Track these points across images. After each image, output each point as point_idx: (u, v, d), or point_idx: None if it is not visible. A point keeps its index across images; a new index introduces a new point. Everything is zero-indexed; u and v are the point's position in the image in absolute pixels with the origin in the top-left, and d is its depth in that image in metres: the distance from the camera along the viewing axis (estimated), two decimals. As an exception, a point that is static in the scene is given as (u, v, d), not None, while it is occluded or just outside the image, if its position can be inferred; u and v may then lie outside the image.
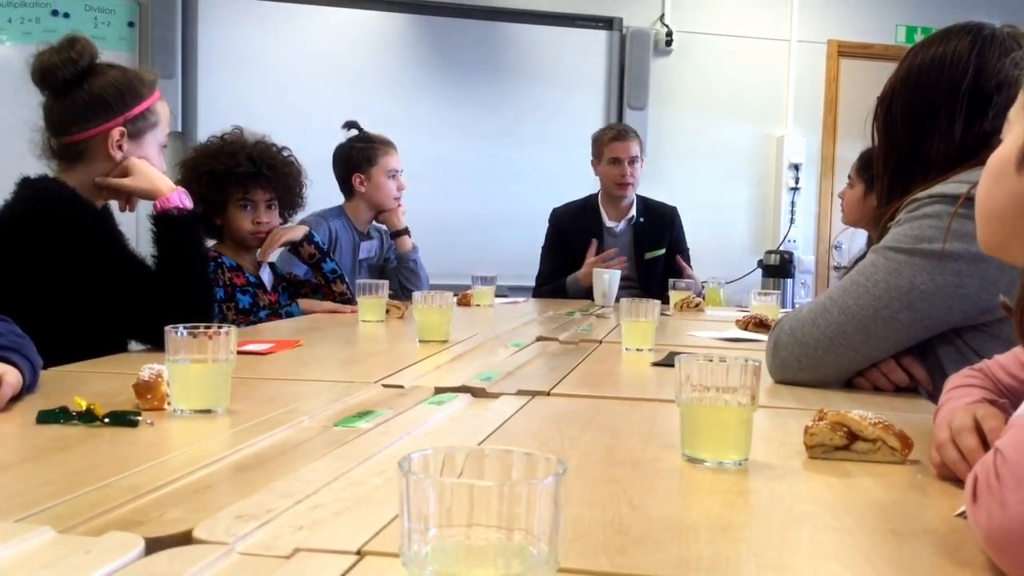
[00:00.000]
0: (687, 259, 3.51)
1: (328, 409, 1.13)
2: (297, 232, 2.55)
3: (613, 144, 3.40)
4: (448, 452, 0.55)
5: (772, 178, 4.97)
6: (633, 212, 3.47)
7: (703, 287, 3.25)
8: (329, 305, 2.48)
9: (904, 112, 1.39)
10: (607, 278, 2.99)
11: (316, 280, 2.59)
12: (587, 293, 3.27)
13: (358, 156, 3.03)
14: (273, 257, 2.68)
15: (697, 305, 2.85)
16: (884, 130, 1.42)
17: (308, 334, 1.95)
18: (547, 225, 3.57)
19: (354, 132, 3.09)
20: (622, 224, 3.47)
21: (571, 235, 3.44)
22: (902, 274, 1.29)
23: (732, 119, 4.92)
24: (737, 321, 2.28)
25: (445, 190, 4.59)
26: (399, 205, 3.11)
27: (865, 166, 2.66)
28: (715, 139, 4.91)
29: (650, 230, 3.47)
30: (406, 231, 3.10)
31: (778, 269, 4.61)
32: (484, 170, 4.67)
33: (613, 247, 3.44)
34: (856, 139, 4.91)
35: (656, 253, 3.45)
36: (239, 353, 1.25)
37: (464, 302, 2.81)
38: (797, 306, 1.91)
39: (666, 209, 3.56)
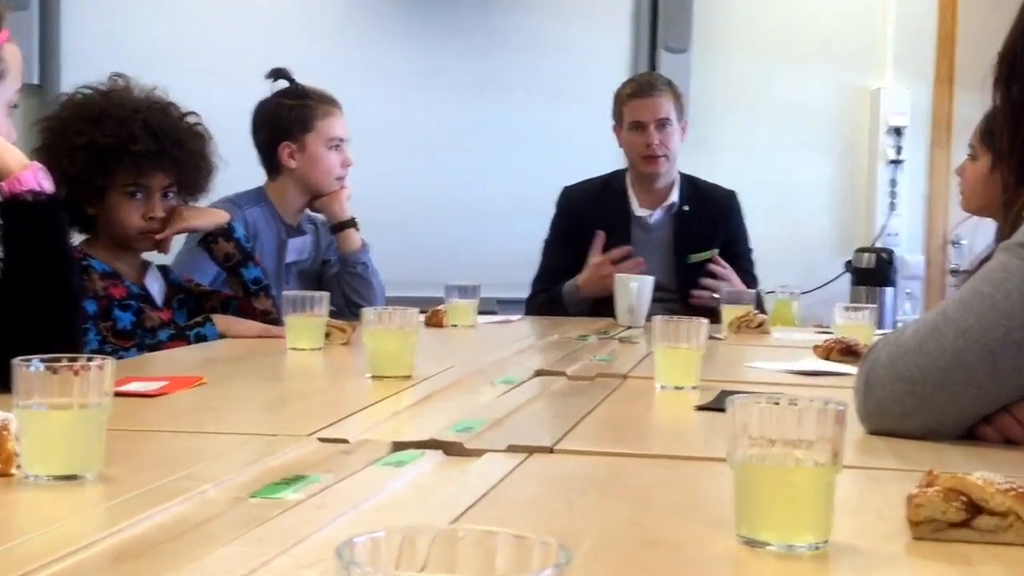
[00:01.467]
0: (748, 264, 3.51)
1: (242, 474, 1.13)
2: (210, 218, 2.54)
3: (634, 102, 3.41)
4: (407, 534, 0.55)
5: (864, 147, 4.99)
6: (675, 197, 3.48)
7: (764, 301, 3.26)
8: (257, 327, 2.48)
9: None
10: (635, 287, 2.99)
11: (230, 290, 2.59)
12: (592, 308, 3.28)
13: (287, 118, 3.03)
14: (168, 257, 2.67)
15: (760, 325, 2.85)
16: (1008, 92, 1.43)
17: (215, 367, 1.95)
18: (554, 211, 3.59)
19: (283, 84, 3.09)
20: (658, 213, 3.48)
21: (587, 225, 3.45)
22: (1044, 281, 1.30)
23: (807, 66, 4.93)
24: (815, 347, 2.29)
25: (410, 166, 4.60)
26: (343, 187, 3.11)
27: (993, 132, 2.67)
28: (783, 94, 4.93)
29: (698, 222, 3.48)
30: (353, 223, 3.10)
31: (873, 274, 4.62)
32: (467, 138, 4.68)
33: (643, 244, 3.45)
34: (983, 92, 4.93)
35: (705, 255, 3.45)
36: (118, 395, 1.25)
37: (435, 322, 2.81)
38: (899, 326, 1.91)
39: (721, 194, 3.57)
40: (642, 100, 3.40)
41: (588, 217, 3.47)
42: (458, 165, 4.68)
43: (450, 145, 4.67)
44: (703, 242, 3.47)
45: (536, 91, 4.72)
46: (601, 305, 3.22)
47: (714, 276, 3.36)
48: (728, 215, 3.54)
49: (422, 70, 4.67)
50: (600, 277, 3.26)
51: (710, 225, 3.50)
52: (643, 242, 3.45)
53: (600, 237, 3.34)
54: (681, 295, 3.42)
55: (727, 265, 3.40)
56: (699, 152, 4.36)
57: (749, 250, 3.57)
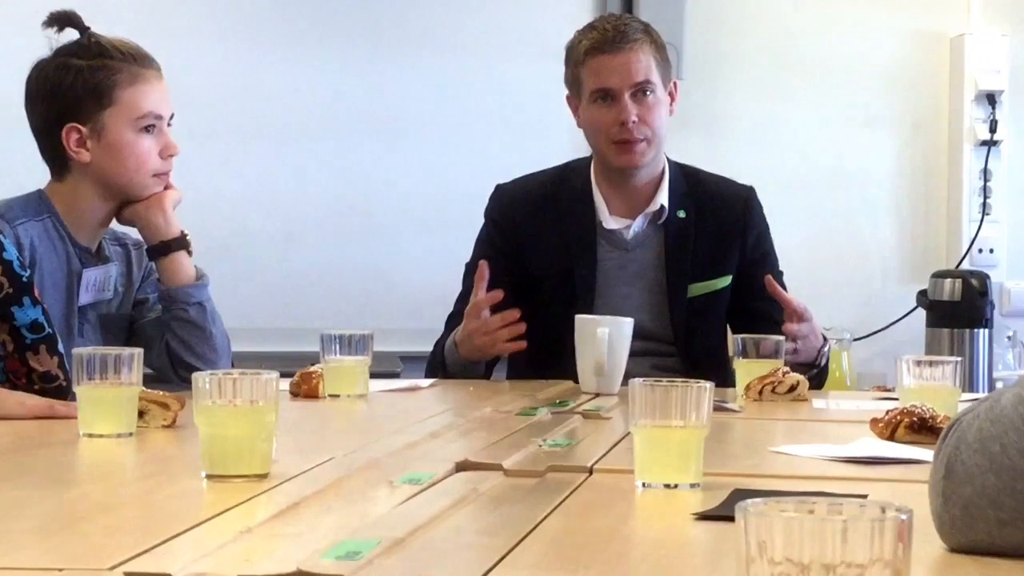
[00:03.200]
0: (770, 300, 3.53)
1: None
2: None
3: (596, 61, 3.41)
4: None
5: (942, 122, 5.05)
6: (663, 199, 3.49)
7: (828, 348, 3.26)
8: (34, 402, 2.45)
9: None
10: (604, 335, 2.99)
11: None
12: (487, 372, 3.34)
13: (74, 86, 3.00)
14: None
15: (793, 388, 2.86)
16: None
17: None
18: (483, 221, 3.61)
19: (72, 35, 3.06)
20: (639, 223, 3.49)
21: (529, 242, 3.48)
22: None
23: (860, 6, 4.98)
24: (874, 421, 2.31)
25: (271, 155, 4.60)
26: (168, 188, 3.08)
27: None
28: (823, 44, 4.98)
29: (701, 235, 3.50)
30: (183, 243, 3.08)
31: (959, 310, 4.66)
32: (357, 115, 4.71)
33: (617, 269, 3.47)
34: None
35: (712, 285, 3.49)
36: None
37: (306, 391, 2.80)
38: (997, 388, 1.93)
39: (733, 193, 3.60)
40: (609, 57, 3.39)
41: (531, 230, 3.49)
42: (344, 154, 4.69)
43: (332, 125, 4.69)
44: (709, 266, 3.49)
45: (461, 47, 4.74)
46: (489, 369, 3.29)
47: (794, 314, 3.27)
48: (745, 223, 3.56)
49: (288, 17, 4.67)
50: (467, 333, 3.22)
51: (719, 239, 3.52)
52: (617, 266, 3.47)
53: (482, 268, 3.23)
54: (681, 346, 3.44)
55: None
56: (698, 131, 4.39)
57: (779, 274, 3.59)
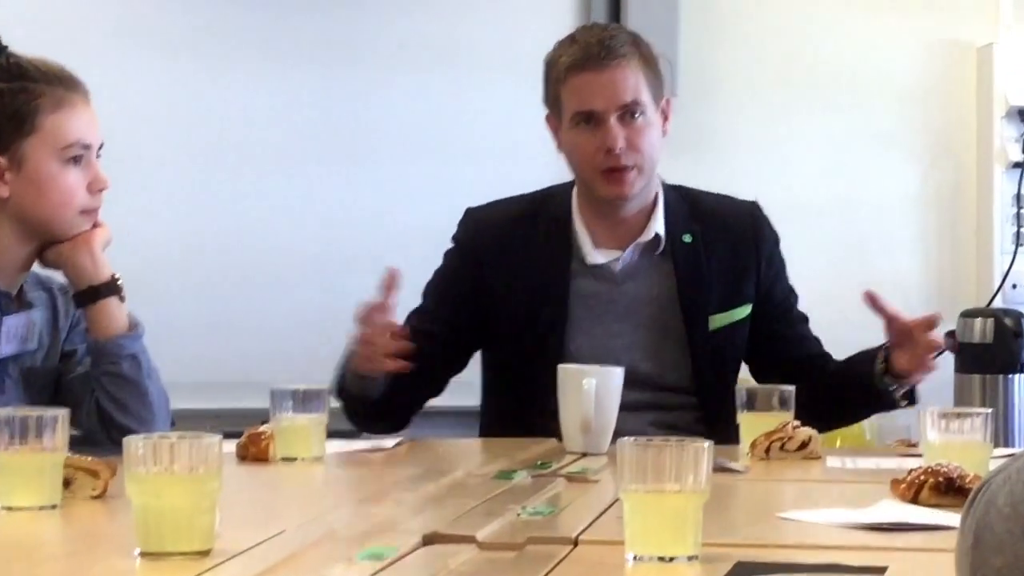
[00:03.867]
0: (803, 325, 3.54)
1: None
2: None
3: (578, 78, 3.39)
4: None
5: (969, 143, 5.07)
6: (657, 227, 3.47)
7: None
8: None
9: None
10: (590, 387, 2.98)
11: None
12: (384, 410, 3.31)
13: (-7, 113, 3.01)
14: None
15: (805, 444, 2.86)
16: None
17: None
18: (450, 245, 3.61)
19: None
20: (628, 254, 3.48)
21: (499, 272, 3.48)
22: None
23: (874, 9, 5.00)
24: (895, 482, 2.31)
25: (215, 186, 4.62)
26: (97, 226, 3.08)
27: None
28: (833, 56, 4.99)
29: (711, 261, 3.50)
30: (114, 287, 3.08)
31: (991, 354, 4.67)
32: (313, 143, 4.72)
33: (602, 307, 3.46)
34: None
35: (733, 315, 3.49)
36: None
37: (254, 453, 2.80)
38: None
39: (739, 210, 3.62)
40: (592, 75, 3.38)
41: (501, 260, 3.49)
42: (295, 184, 4.71)
43: (281, 152, 4.71)
44: (726, 291, 3.49)
45: (428, 61, 4.77)
46: (510, 421, 3.27)
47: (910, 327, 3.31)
48: (756, 238, 3.57)
49: (230, 33, 4.69)
50: (361, 345, 3.21)
51: (732, 260, 3.52)
52: (602, 303, 3.46)
53: (391, 276, 3.18)
54: (701, 395, 3.44)
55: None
56: (694, 153, 4.40)
57: (796, 297, 3.61)
